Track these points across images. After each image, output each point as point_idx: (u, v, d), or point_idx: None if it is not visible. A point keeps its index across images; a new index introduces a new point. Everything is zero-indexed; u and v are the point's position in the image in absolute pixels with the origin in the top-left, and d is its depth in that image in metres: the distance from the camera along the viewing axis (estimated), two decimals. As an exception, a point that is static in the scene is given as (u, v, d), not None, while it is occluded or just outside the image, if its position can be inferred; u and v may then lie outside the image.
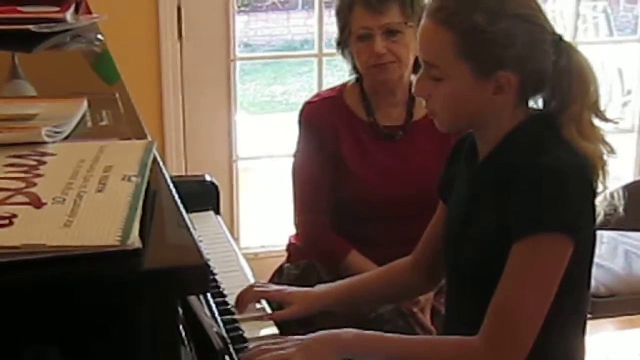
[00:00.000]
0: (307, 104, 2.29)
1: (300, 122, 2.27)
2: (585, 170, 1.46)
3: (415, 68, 2.13)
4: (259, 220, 3.83)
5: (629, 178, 3.48)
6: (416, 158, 2.21)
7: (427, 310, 2.12)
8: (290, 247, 2.39)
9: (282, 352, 1.44)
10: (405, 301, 2.05)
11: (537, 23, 1.47)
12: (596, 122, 1.51)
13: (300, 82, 7.44)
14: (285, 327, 1.64)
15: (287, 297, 1.72)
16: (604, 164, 1.49)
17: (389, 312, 2.06)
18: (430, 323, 2.10)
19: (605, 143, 1.50)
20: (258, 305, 1.68)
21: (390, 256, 1.83)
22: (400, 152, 2.22)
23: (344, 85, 2.29)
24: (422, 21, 1.51)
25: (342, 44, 2.21)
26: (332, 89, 2.34)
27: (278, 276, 2.26)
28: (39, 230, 0.78)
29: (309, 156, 2.26)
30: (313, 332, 1.54)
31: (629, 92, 4.35)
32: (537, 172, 1.43)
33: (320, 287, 1.77)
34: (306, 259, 2.27)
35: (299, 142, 2.28)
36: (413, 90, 1.60)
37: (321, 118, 2.23)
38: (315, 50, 3.38)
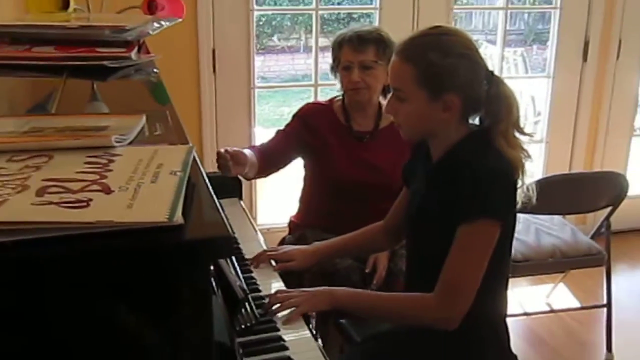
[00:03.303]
0: (307, 104, 2.34)
1: (296, 113, 2.29)
2: (510, 171, 1.46)
3: (385, 93, 2.14)
4: (271, 204, 3.82)
5: (539, 175, 3.48)
6: (378, 156, 2.23)
7: (383, 270, 2.11)
8: (290, 223, 2.40)
9: (292, 300, 1.45)
10: (377, 253, 2.06)
11: (475, 60, 1.47)
12: (518, 135, 1.51)
13: (302, 105, 7.41)
14: (287, 281, 1.65)
15: (289, 256, 1.73)
16: (523, 166, 1.49)
17: (345, 269, 2.06)
18: (385, 279, 2.09)
19: (524, 150, 1.51)
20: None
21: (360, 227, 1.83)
22: (367, 151, 2.24)
23: (333, 98, 2.33)
24: (392, 57, 1.51)
25: (334, 70, 2.26)
26: (326, 100, 2.37)
27: (281, 244, 2.26)
28: (108, 210, 0.78)
29: (285, 130, 2.27)
30: (304, 286, 1.57)
31: (539, 114, 4.36)
32: (476, 172, 1.43)
33: (314, 245, 1.78)
34: (299, 231, 2.27)
35: (287, 125, 2.28)
36: (384, 109, 1.60)
37: (313, 115, 2.27)
38: (312, 82, 3.38)
